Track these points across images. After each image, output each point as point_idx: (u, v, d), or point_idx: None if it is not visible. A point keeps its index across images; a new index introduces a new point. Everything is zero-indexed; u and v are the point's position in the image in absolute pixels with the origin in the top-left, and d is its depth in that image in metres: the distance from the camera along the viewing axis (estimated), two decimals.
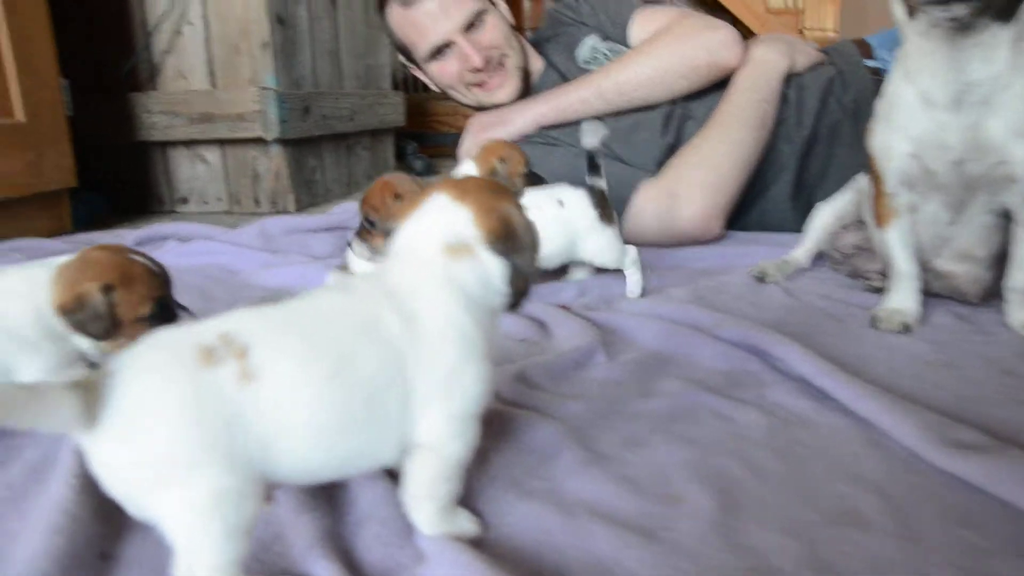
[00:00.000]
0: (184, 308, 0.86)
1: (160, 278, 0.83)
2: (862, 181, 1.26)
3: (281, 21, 2.10)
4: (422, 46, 1.65)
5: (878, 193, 1.08)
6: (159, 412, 0.47)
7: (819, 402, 0.82)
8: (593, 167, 1.23)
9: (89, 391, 0.46)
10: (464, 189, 0.62)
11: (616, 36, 1.78)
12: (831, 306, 1.17)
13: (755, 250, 1.49)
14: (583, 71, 1.75)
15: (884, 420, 0.75)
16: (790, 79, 1.66)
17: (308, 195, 2.27)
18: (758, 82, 1.63)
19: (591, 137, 1.19)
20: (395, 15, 1.66)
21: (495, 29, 1.65)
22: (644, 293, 1.24)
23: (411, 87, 3.35)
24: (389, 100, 2.73)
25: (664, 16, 1.73)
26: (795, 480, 0.67)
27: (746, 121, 1.60)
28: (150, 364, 0.48)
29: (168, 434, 0.46)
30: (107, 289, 0.78)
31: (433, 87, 1.81)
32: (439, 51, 1.65)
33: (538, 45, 1.85)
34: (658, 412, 0.81)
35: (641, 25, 1.75)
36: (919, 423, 0.73)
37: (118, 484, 0.48)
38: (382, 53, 2.71)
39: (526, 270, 0.60)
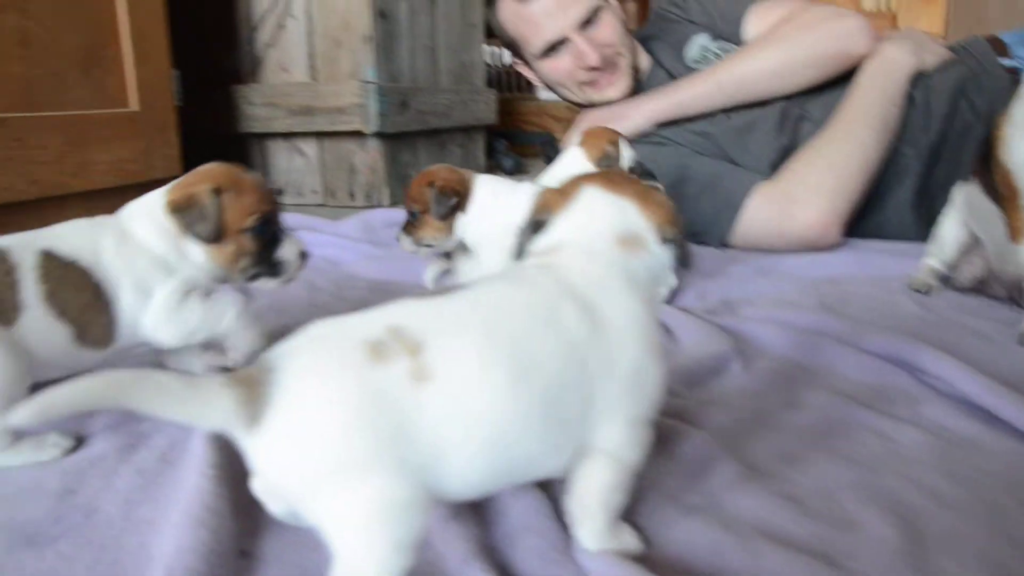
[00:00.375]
0: (290, 232, 0.87)
1: (269, 195, 0.83)
2: (959, 197, 1.18)
3: (383, 15, 2.10)
4: (535, 42, 1.62)
5: (1014, 207, 1.00)
6: (328, 413, 0.43)
7: (987, 424, 0.75)
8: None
9: (251, 388, 0.43)
10: (615, 182, 0.59)
11: (728, 33, 1.72)
12: (972, 321, 1.08)
13: (877, 259, 1.41)
14: (691, 71, 1.69)
15: None
16: (917, 79, 1.57)
17: (402, 190, 2.27)
18: (883, 82, 1.55)
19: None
20: (508, 9, 1.63)
21: (611, 27, 1.61)
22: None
23: (503, 86, 3.34)
24: (482, 97, 2.71)
25: (784, 7, 1.66)
26: (982, 510, 0.61)
27: (870, 123, 1.52)
28: (316, 361, 0.45)
29: (337, 438, 0.43)
30: (217, 191, 0.78)
31: (538, 83, 1.78)
32: (553, 48, 1.61)
33: (644, 43, 1.80)
34: (809, 425, 0.75)
35: (759, 18, 1.68)
36: None
37: (281, 485, 0.45)
38: (476, 50, 2.69)
39: (687, 259, 0.58)
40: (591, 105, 1.71)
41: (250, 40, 2.15)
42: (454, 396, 0.45)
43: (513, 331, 0.48)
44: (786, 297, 1.20)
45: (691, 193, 1.56)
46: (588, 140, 1.23)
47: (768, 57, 1.57)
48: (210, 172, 0.81)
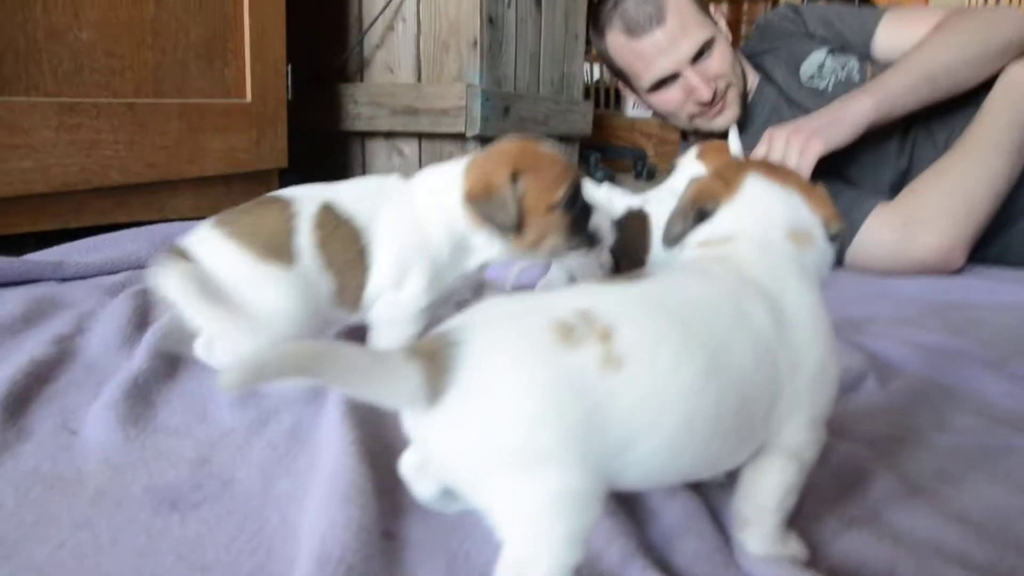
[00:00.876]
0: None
1: (570, 166, 0.78)
2: None
3: (491, 21, 2.11)
4: (646, 77, 1.57)
5: None
6: (514, 395, 0.40)
7: None
8: None
9: (434, 362, 0.41)
10: (779, 172, 0.58)
11: (857, 46, 1.65)
12: None
13: (1007, 287, 1.33)
14: (806, 88, 1.63)
15: None
16: None
17: None
18: (1016, 103, 1.47)
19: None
20: (616, 42, 1.58)
21: (723, 57, 1.55)
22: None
23: (599, 100, 3.31)
24: (579, 109, 2.70)
25: (923, 13, 1.58)
26: None
27: (1001, 145, 1.44)
28: (505, 339, 0.42)
29: (525, 424, 0.40)
30: (515, 176, 0.74)
31: (645, 108, 1.74)
32: (663, 81, 1.57)
33: (754, 57, 1.75)
34: (964, 448, 0.71)
35: (896, 28, 1.60)
36: None
37: (453, 466, 0.43)
38: (577, 61, 2.69)
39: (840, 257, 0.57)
40: (696, 132, 1.67)
41: (360, 40, 2.19)
42: (646, 385, 0.42)
43: (705, 321, 0.46)
44: (911, 320, 1.13)
45: None
46: (709, 155, 1.20)
47: (965, 45, 1.46)
48: (507, 152, 0.76)
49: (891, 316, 1.15)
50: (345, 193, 0.78)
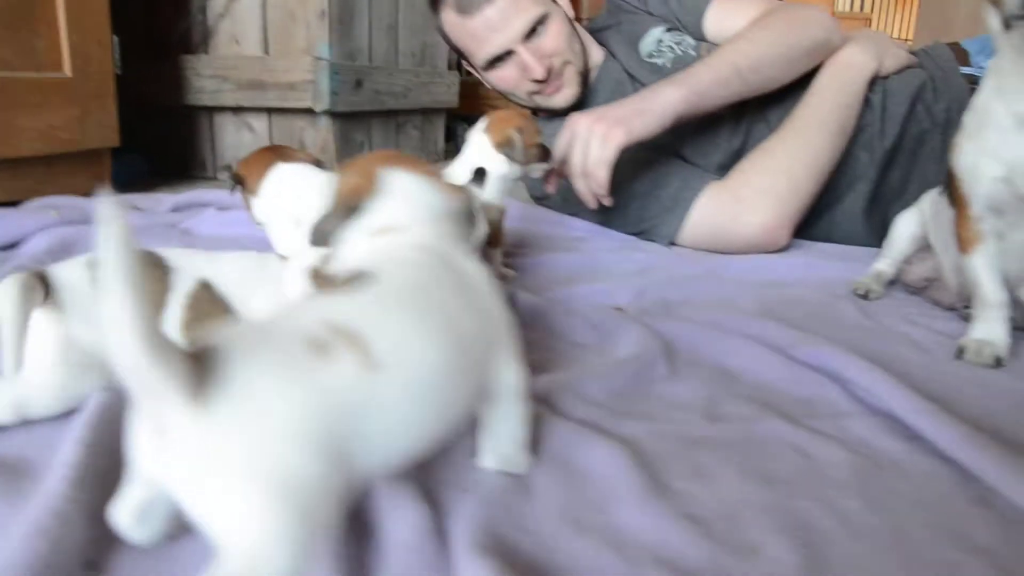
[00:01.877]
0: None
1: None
2: (926, 202, 1.17)
3: None
4: (480, 55, 1.54)
5: (962, 216, 0.98)
6: (278, 413, 0.41)
7: (909, 443, 0.72)
8: (479, 174, 1.07)
9: (200, 364, 0.40)
10: (414, 164, 0.66)
11: (689, 26, 1.66)
12: (914, 332, 1.06)
13: (825, 263, 1.38)
14: (646, 64, 1.64)
15: (992, 473, 0.65)
16: (875, 83, 1.54)
17: None
18: (843, 84, 1.51)
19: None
20: (450, 21, 1.54)
21: (558, 34, 1.52)
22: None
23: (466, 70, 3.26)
24: (443, 80, 2.65)
25: (747, 2, 1.61)
26: (892, 538, 0.57)
27: (826, 126, 1.48)
28: (264, 359, 0.42)
29: (279, 437, 0.40)
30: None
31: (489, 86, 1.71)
32: (498, 59, 1.53)
33: (598, 34, 1.74)
34: (730, 440, 0.72)
35: (721, 11, 1.62)
36: None
37: (196, 466, 0.40)
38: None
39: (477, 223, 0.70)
40: (537, 109, 1.65)
41: (202, 9, 2.07)
42: (404, 379, 0.47)
43: (433, 304, 0.52)
44: (727, 300, 1.16)
45: (641, 189, 1.53)
46: (495, 124, 1.18)
47: (774, 43, 1.47)
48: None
49: (707, 298, 1.18)
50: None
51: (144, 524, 0.50)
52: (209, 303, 0.73)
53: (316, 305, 0.49)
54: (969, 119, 0.95)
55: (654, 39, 1.65)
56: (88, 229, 1.32)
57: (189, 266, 0.75)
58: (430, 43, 2.58)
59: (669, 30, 1.66)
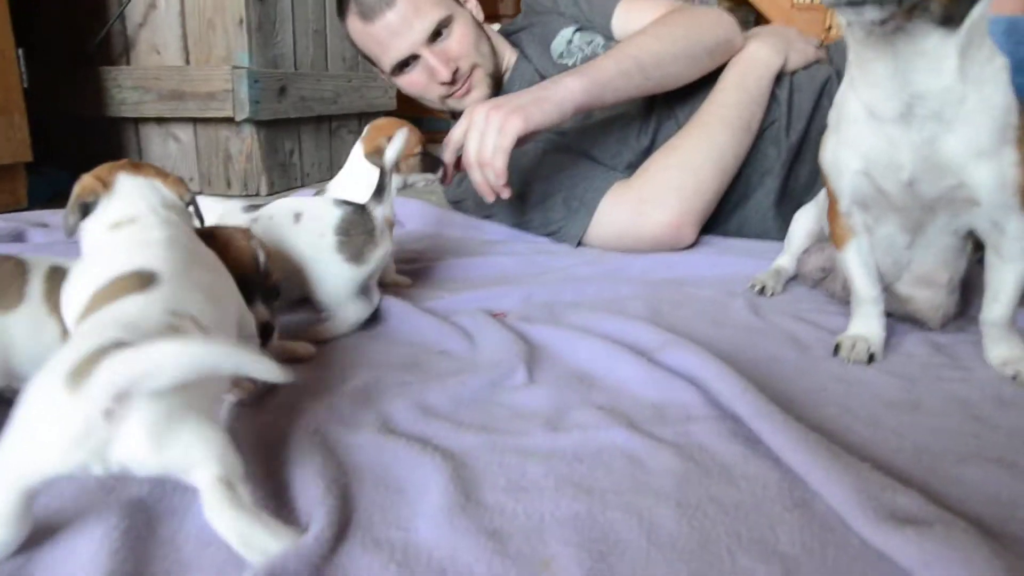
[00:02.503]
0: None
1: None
2: (822, 196, 1.17)
3: None
4: (385, 60, 1.52)
5: (832, 212, 0.98)
6: None
7: (749, 447, 0.72)
8: (379, 187, 1.03)
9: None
10: (141, 168, 0.78)
11: (599, 27, 1.66)
12: (799, 329, 1.06)
13: (730, 260, 1.38)
14: (558, 66, 1.62)
15: (816, 476, 0.64)
16: (782, 78, 1.54)
17: (283, 178, 2.19)
18: (747, 80, 1.51)
19: (392, 149, 1.04)
20: (354, 28, 1.52)
21: (463, 37, 1.51)
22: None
23: None
24: (379, 84, 2.63)
25: (652, 2, 1.61)
26: (691, 547, 0.57)
27: (730, 122, 1.48)
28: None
29: None
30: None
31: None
32: (405, 64, 1.52)
33: (512, 36, 1.73)
34: (563, 450, 0.71)
35: (627, 11, 1.61)
36: (856, 483, 0.62)
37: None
38: None
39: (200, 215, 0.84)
40: (454, 112, 1.63)
41: (120, 18, 2.04)
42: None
43: (193, 270, 0.68)
44: (617, 302, 1.16)
45: (547, 191, 1.52)
46: (370, 134, 1.18)
47: (676, 39, 1.45)
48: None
49: (597, 300, 1.17)
50: None
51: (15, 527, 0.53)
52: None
53: (140, 304, 0.59)
54: (831, 114, 0.95)
55: (564, 40, 1.64)
56: None
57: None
58: None
59: (579, 30, 1.66)
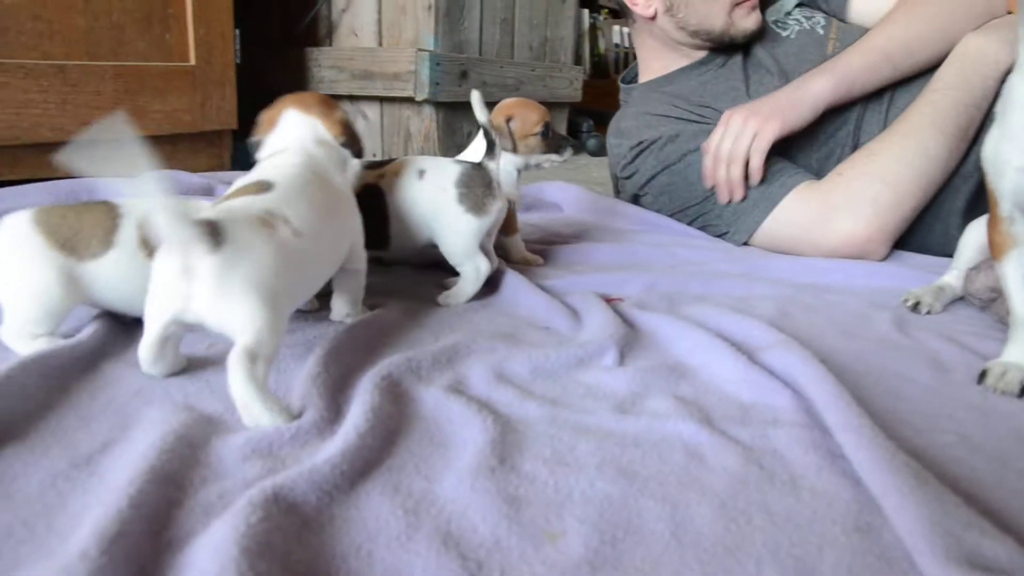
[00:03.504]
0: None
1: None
2: None
3: None
4: None
5: (992, 216, 0.85)
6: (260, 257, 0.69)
7: (829, 461, 0.65)
8: (489, 146, 1.06)
9: (210, 228, 0.65)
10: (306, 103, 0.92)
11: (833, 6, 1.57)
12: (945, 350, 0.94)
13: (892, 271, 1.26)
14: (768, 30, 1.56)
15: (891, 500, 0.57)
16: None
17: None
18: (969, 81, 1.33)
19: (481, 109, 1.05)
20: None
21: None
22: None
23: (600, 69, 3.23)
24: (564, 74, 2.66)
25: None
26: (717, 550, 0.53)
27: (943, 128, 1.32)
28: (241, 224, 0.70)
29: (263, 267, 0.69)
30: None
31: (644, 12, 1.58)
32: None
33: None
34: (623, 434, 0.68)
35: None
36: (937, 514, 0.54)
37: (213, 292, 0.65)
38: (563, 26, 2.64)
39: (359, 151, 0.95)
40: (710, 45, 1.56)
41: (326, 4, 2.22)
42: (313, 245, 0.75)
43: (317, 198, 0.80)
44: (744, 300, 1.09)
45: None
46: (495, 112, 1.21)
47: (929, 19, 1.36)
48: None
49: (725, 295, 1.11)
50: None
51: (159, 362, 0.72)
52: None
53: (246, 200, 0.73)
54: (998, 104, 0.83)
55: (783, 9, 1.58)
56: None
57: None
58: (552, 37, 2.59)
59: (801, 4, 1.59)
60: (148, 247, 0.78)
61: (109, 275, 0.77)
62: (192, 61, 1.84)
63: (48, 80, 1.58)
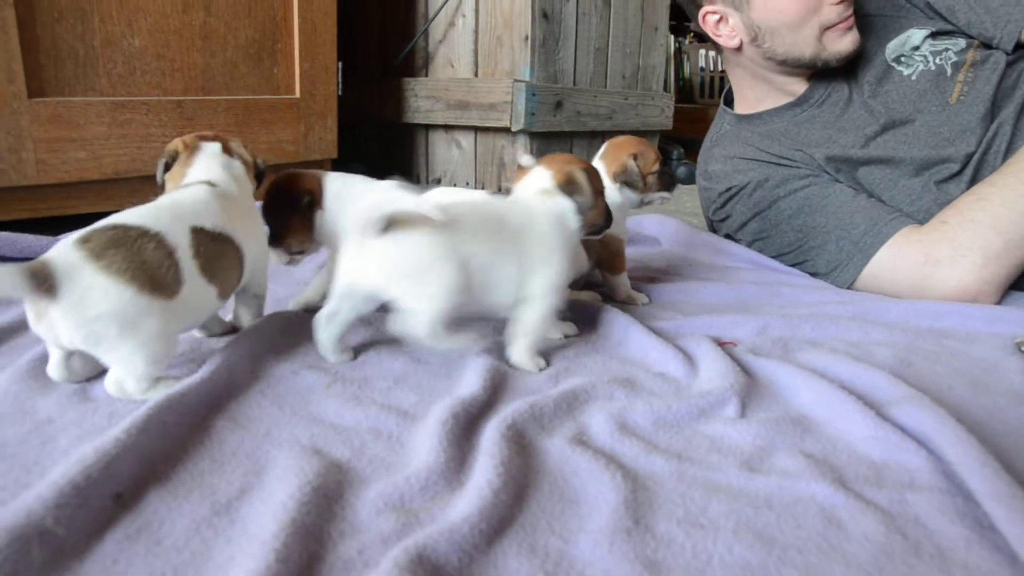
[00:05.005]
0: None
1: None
2: None
3: (545, 16, 2.13)
4: None
5: None
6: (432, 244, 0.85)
7: (979, 533, 0.62)
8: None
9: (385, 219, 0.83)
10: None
11: (991, 34, 1.44)
12: None
13: (1018, 315, 1.19)
14: (880, 65, 1.48)
15: None
16: None
17: None
18: None
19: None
20: None
21: None
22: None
23: (702, 91, 3.21)
24: (655, 103, 2.64)
25: None
26: None
27: None
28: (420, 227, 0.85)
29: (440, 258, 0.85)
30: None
31: (730, 40, 1.52)
32: None
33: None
34: (754, 493, 0.67)
35: None
36: None
37: (393, 273, 0.84)
38: (655, 53, 2.63)
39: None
40: (802, 66, 1.48)
41: (424, 35, 2.27)
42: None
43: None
44: (860, 346, 1.05)
45: (819, 226, 1.39)
46: (609, 151, 1.18)
47: None
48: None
49: (840, 340, 1.07)
50: None
51: (328, 327, 0.90)
52: None
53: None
54: None
55: (909, 43, 1.47)
56: None
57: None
58: (644, 65, 2.59)
59: (934, 35, 1.47)
60: None
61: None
62: (297, 94, 1.91)
63: (167, 115, 1.66)
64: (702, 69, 4.45)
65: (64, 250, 0.74)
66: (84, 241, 0.75)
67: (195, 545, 0.56)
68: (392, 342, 1.00)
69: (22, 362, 0.86)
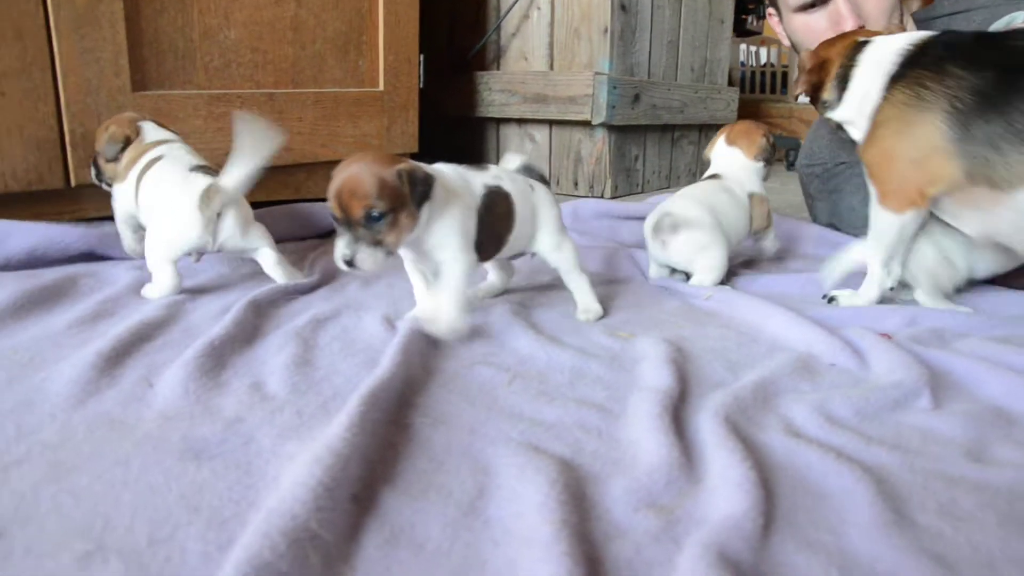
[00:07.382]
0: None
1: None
2: None
3: (624, 8, 2.10)
4: None
5: None
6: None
7: None
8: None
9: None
10: None
11: None
12: None
13: None
14: None
15: None
16: None
17: (626, 183, 2.26)
18: None
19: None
20: None
21: (880, 2, 1.42)
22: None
23: (754, 86, 3.18)
24: (722, 96, 2.61)
25: None
26: None
27: None
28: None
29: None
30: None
31: (784, 39, 1.62)
32: (812, 4, 1.46)
33: (929, 21, 1.58)
34: (994, 484, 0.65)
35: None
36: None
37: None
38: (721, 46, 2.60)
39: None
40: None
41: (497, 29, 2.25)
42: None
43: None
44: (1014, 337, 1.02)
45: None
46: (742, 139, 1.37)
47: None
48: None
49: (996, 333, 1.05)
50: None
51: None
52: None
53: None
54: None
55: (1009, 21, 1.43)
56: None
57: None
58: (711, 59, 2.56)
59: None
60: None
61: None
62: (381, 87, 1.89)
63: (259, 107, 1.65)
64: (743, 64, 4.42)
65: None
66: None
67: (460, 549, 0.54)
68: (540, 333, 0.98)
69: (188, 357, 0.84)
